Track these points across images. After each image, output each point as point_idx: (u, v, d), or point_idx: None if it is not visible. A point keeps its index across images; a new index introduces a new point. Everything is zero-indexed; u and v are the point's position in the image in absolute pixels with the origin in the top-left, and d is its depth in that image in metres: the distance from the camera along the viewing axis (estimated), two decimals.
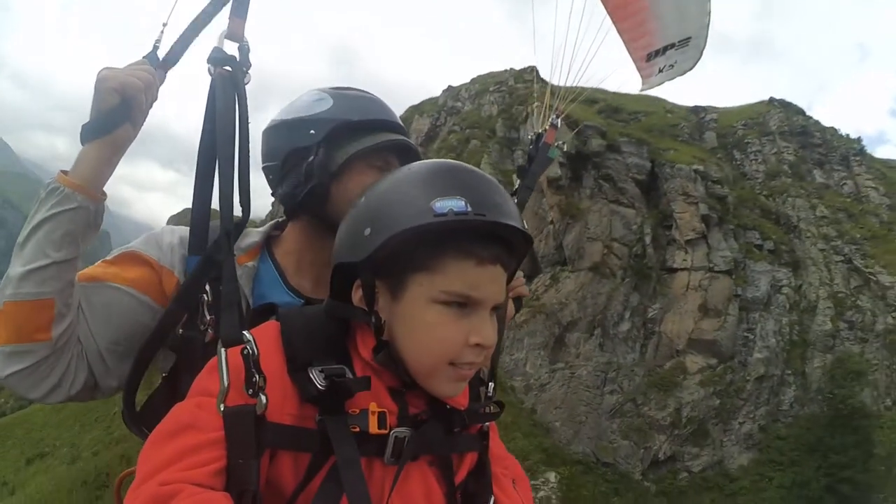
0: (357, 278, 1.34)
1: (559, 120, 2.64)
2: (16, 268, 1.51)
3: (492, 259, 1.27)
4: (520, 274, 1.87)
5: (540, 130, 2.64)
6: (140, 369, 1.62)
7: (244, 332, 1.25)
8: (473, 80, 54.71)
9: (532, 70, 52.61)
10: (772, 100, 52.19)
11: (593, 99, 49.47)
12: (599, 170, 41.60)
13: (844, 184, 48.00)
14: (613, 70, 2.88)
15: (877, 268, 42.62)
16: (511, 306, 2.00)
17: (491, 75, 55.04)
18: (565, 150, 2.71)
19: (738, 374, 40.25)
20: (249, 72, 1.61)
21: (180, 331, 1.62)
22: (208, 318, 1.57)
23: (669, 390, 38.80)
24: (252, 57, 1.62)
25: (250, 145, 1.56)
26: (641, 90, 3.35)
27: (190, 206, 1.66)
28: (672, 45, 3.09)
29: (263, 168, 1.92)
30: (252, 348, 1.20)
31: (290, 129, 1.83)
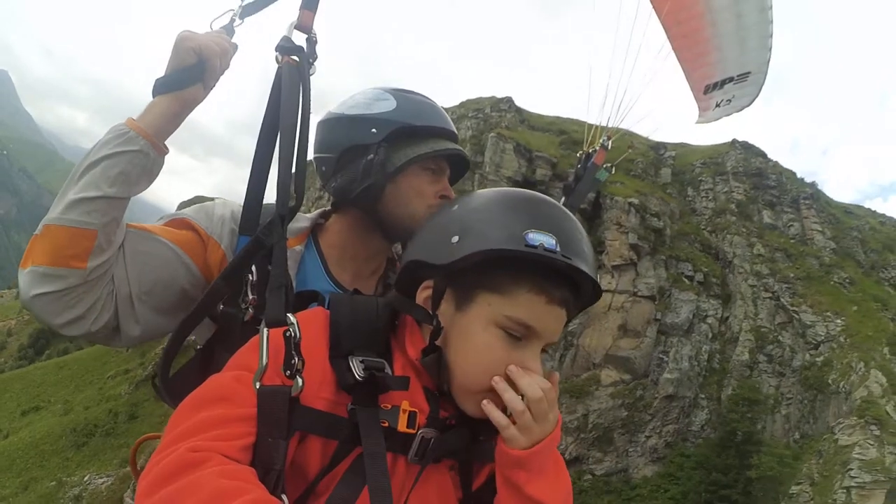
0: (426, 279, 1.37)
1: (610, 142, 2.67)
2: (67, 194, 1.54)
3: (561, 301, 1.30)
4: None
5: (590, 151, 2.66)
6: (180, 338, 1.62)
7: (289, 314, 1.28)
8: (461, 104, 60.29)
9: (508, 100, 58.21)
10: (734, 141, 55.71)
11: (562, 130, 54.78)
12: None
13: (791, 225, 51.41)
14: (658, 107, 2.89)
15: (803, 307, 46.09)
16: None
17: (473, 101, 60.60)
18: (613, 172, 2.73)
19: (649, 391, 44.97)
20: (316, 64, 1.66)
21: (221, 307, 1.63)
22: (251, 297, 1.58)
23: (580, 398, 43.85)
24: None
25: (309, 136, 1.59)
26: (697, 123, 3.30)
27: (201, 193, 3.04)
28: (731, 79, 3.05)
29: (315, 158, 1.93)
30: (295, 331, 1.23)
31: (352, 124, 1.85)
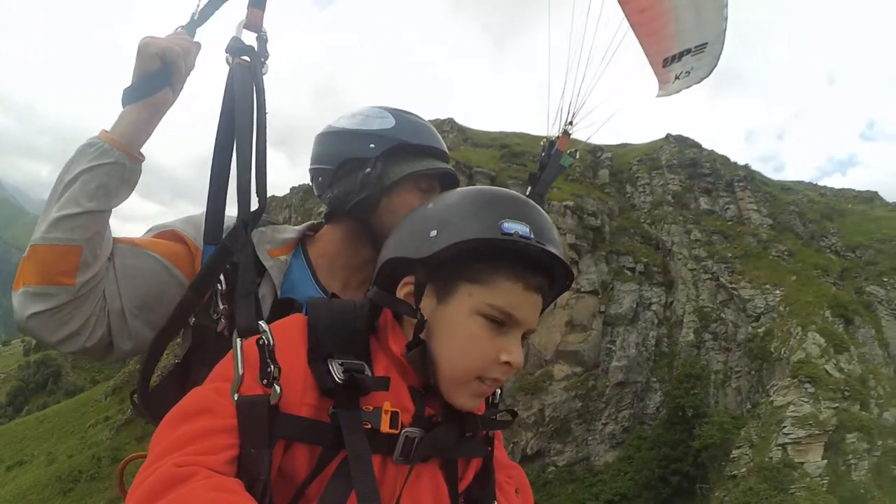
0: (407, 275, 1.39)
1: (572, 127, 2.64)
2: (49, 214, 1.55)
3: (537, 287, 1.34)
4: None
5: (552, 137, 2.63)
6: (156, 353, 1.62)
7: (260, 322, 1.27)
8: None
9: (450, 121, 62.04)
10: (668, 136, 58.65)
11: (504, 144, 58.37)
12: None
13: (728, 208, 53.96)
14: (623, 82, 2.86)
15: (742, 283, 48.47)
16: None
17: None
18: (577, 157, 2.71)
19: (601, 380, 47.67)
20: (268, 62, 1.64)
21: (193, 319, 1.65)
22: (222, 307, 1.57)
23: (535, 394, 46.64)
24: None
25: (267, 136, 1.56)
26: (658, 97, 3.33)
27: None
28: (688, 51, 3.06)
29: (312, 169, 1.97)
30: (267, 338, 1.23)
31: (351, 138, 1.90)
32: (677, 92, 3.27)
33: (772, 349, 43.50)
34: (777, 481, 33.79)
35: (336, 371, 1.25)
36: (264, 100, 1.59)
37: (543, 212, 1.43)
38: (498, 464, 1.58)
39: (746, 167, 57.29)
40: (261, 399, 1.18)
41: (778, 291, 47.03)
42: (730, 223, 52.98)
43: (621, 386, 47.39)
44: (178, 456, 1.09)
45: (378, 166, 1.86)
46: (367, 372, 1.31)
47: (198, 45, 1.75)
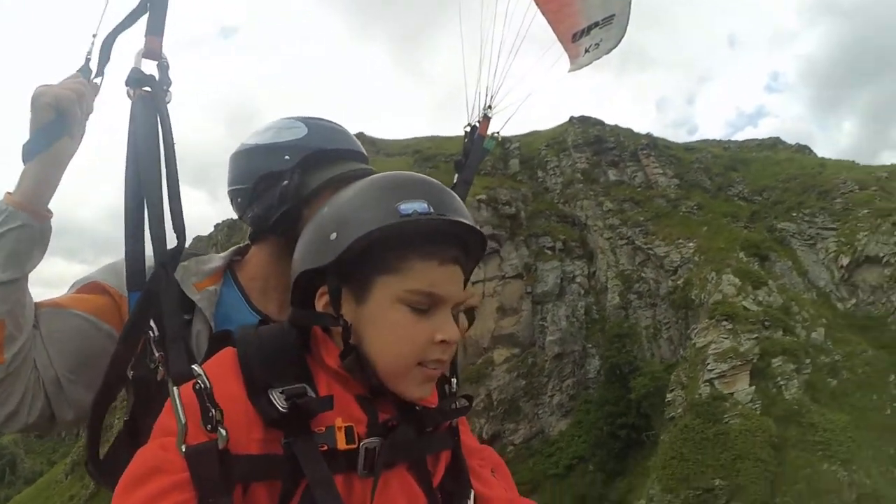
0: (320, 286, 1.34)
1: (492, 111, 2.61)
2: None
3: (452, 259, 1.31)
4: (470, 286, 1.81)
5: (474, 123, 2.60)
6: (98, 417, 1.52)
7: (193, 366, 1.23)
8: None
9: (359, 135, 64.38)
10: (571, 118, 61.57)
11: (416, 149, 60.83)
12: None
13: (636, 176, 56.65)
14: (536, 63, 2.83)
15: (656, 242, 50.94)
16: (463, 319, 1.93)
17: None
18: (500, 138, 2.68)
19: (539, 356, 49.59)
20: (171, 90, 1.56)
21: (131, 372, 1.56)
22: (157, 355, 1.45)
23: (480, 381, 48.39)
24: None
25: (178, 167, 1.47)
26: (570, 71, 3.26)
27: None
28: (596, 24, 3.06)
29: (230, 191, 1.92)
30: (203, 382, 1.18)
31: (265, 153, 1.85)
32: (588, 64, 3.27)
33: (692, 297, 46.13)
34: (710, 414, 35.99)
35: (277, 400, 1.20)
36: (171, 128, 1.50)
37: (439, 183, 1.39)
38: (468, 450, 1.54)
39: (648, 135, 60.29)
40: (209, 446, 1.13)
41: (691, 244, 49.64)
42: (639, 189, 55.66)
43: (559, 358, 49.45)
44: None
45: (295, 177, 1.82)
46: (310, 394, 1.26)
47: (94, 87, 1.69)
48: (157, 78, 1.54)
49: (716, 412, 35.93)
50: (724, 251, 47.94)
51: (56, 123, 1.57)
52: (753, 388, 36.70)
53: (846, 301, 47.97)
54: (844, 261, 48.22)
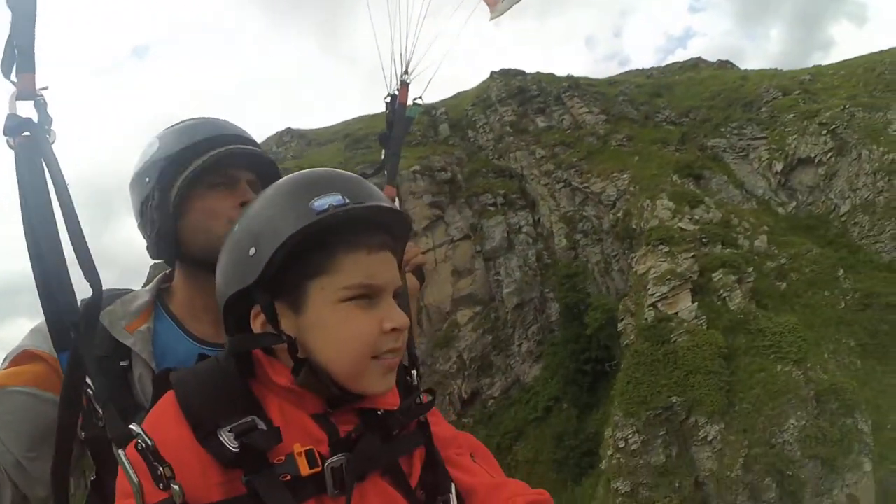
0: (252, 306, 1.29)
1: (409, 77, 2.54)
2: None
3: (380, 245, 1.30)
4: (411, 244, 1.85)
5: (393, 92, 2.54)
6: (61, 487, 1.48)
7: (131, 425, 1.19)
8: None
9: (288, 131, 64.93)
10: (492, 73, 62.37)
11: (347, 133, 61.18)
12: None
13: (563, 119, 57.80)
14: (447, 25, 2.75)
15: (592, 179, 52.24)
16: (414, 279, 2.01)
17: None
18: (423, 104, 2.64)
19: (500, 310, 51.24)
20: (53, 128, 1.44)
21: (82, 433, 1.53)
22: (101, 412, 1.40)
23: (449, 344, 50.08)
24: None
25: (76, 210, 1.38)
26: (491, 20, 3.22)
27: None
28: None
29: (139, 227, 1.87)
30: (144, 440, 1.15)
31: (134, 184, 1.80)
32: (507, 10, 3.21)
33: (633, 226, 47.00)
34: (657, 336, 37.15)
35: (227, 441, 1.16)
36: (59, 171, 1.38)
37: (348, 173, 1.36)
38: (442, 442, 1.50)
39: (569, 77, 61.19)
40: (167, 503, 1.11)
41: (625, 175, 50.81)
42: (568, 132, 56.83)
43: (520, 308, 51.20)
44: None
45: (155, 195, 1.75)
46: (261, 425, 1.21)
47: None
48: (35, 119, 1.43)
49: (662, 333, 37.20)
50: (658, 177, 49.03)
51: None
52: (696, 304, 37.74)
53: (787, 205, 49.17)
54: (778, 167, 49.35)
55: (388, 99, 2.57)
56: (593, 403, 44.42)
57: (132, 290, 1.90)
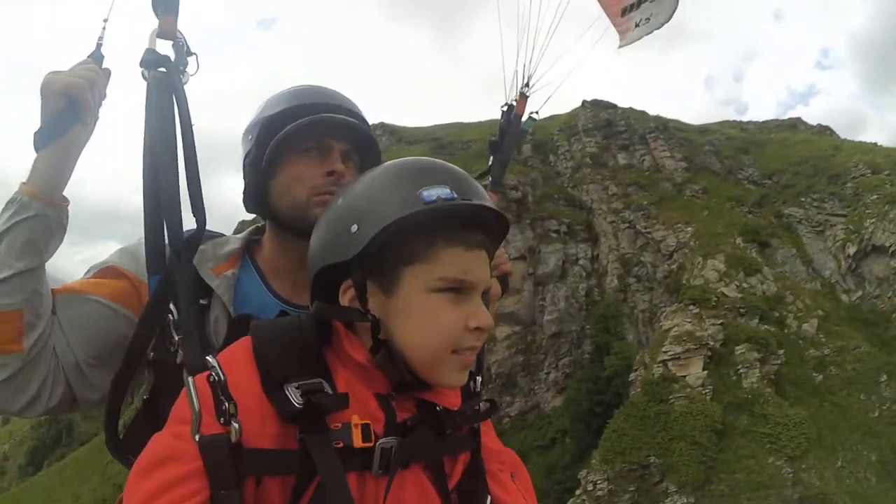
0: (343, 280, 1.33)
1: (529, 89, 2.55)
2: None
3: (478, 244, 1.31)
4: (501, 251, 1.90)
5: (511, 102, 2.54)
6: (117, 397, 1.56)
7: (208, 357, 1.25)
8: None
9: (381, 125, 68.61)
10: (584, 103, 63.58)
11: (435, 137, 64.53)
12: None
13: (644, 160, 58.65)
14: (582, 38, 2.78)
15: (656, 226, 53.23)
16: (497, 286, 2.03)
17: None
18: (538, 118, 2.64)
19: (538, 335, 53.53)
20: (188, 70, 1.56)
21: (151, 353, 1.60)
22: (176, 338, 1.50)
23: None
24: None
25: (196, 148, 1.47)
26: (620, 47, 3.22)
27: None
28: None
29: None
30: (217, 374, 1.19)
31: (242, 139, 1.86)
32: (638, 39, 3.15)
33: (683, 281, 47.05)
34: (657, 394, 37.70)
35: (293, 396, 1.20)
36: (188, 109, 1.49)
37: (458, 168, 1.38)
38: (488, 453, 1.51)
39: (658, 118, 61.66)
40: (221, 439, 1.15)
41: (689, 228, 51.34)
42: (647, 173, 57.69)
43: (557, 337, 53.28)
44: None
45: (252, 152, 1.79)
46: (327, 389, 1.25)
47: (107, 73, 1.67)
48: (172, 58, 1.53)
49: (663, 392, 37.50)
50: (721, 236, 49.23)
51: (67, 111, 1.55)
52: (706, 372, 37.93)
53: (852, 293, 47.18)
54: (852, 250, 47.25)
55: (505, 108, 2.58)
56: (595, 445, 45.52)
57: (225, 235, 1.93)
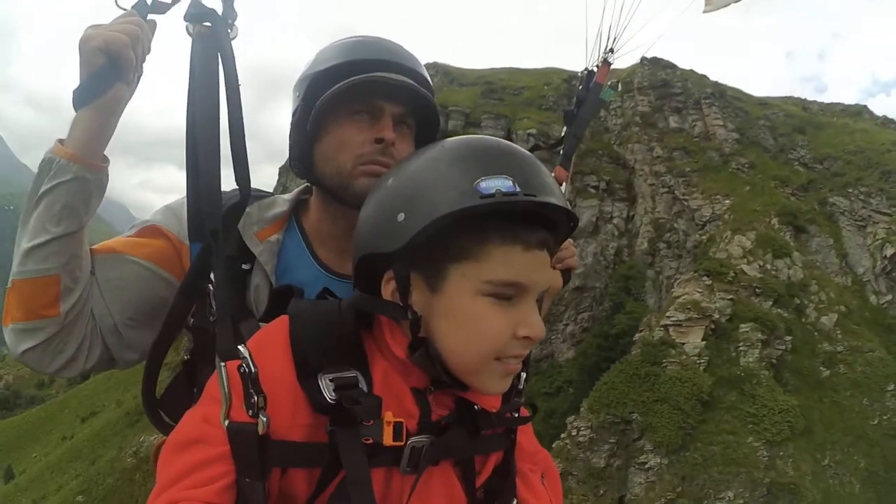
0: (386, 270, 1.24)
1: (613, 56, 2.38)
2: (21, 245, 1.48)
3: (539, 244, 1.19)
4: (569, 242, 1.79)
5: (591, 68, 2.38)
6: (155, 362, 1.53)
7: (239, 347, 1.18)
8: None
9: (434, 65, 68.69)
10: (643, 59, 62.70)
11: (488, 81, 64.84)
12: None
13: (695, 125, 58.22)
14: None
15: (695, 194, 53.42)
16: (559, 278, 1.93)
17: None
18: (619, 89, 2.49)
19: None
20: (237, 24, 1.42)
21: (191, 320, 1.57)
22: (216, 308, 1.42)
23: None
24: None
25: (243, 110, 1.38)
26: (705, 12, 3.02)
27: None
28: None
29: None
30: (248, 365, 1.15)
31: (292, 97, 1.76)
32: (725, 6, 2.99)
33: (710, 254, 47.03)
34: (652, 355, 38.18)
35: (326, 390, 1.17)
36: (234, 68, 1.36)
37: (526, 153, 1.25)
38: (521, 453, 1.47)
39: (716, 83, 60.74)
40: (249, 429, 1.13)
41: (727, 201, 51.23)
42: (696, 139, 57.39)
43: (580, 291, 54.53)
44: (174, 491, 1.09)
45: (298, 112, 1.68)
46: (362, 384, 1.21)
47: (151, 26, 1.55)
48: (218, 12, 1.40)
49: (658, 355, 37.82)
50: (757, 213, 49.01)
51: (108, 69, 1.46)
52: (704, 343, 38.02)
53: (881, 296, 46.02)
54: (889, 251, 46.06)
55: (584, 73, 2.40)
56: None
57: (272, 196, 1.85)
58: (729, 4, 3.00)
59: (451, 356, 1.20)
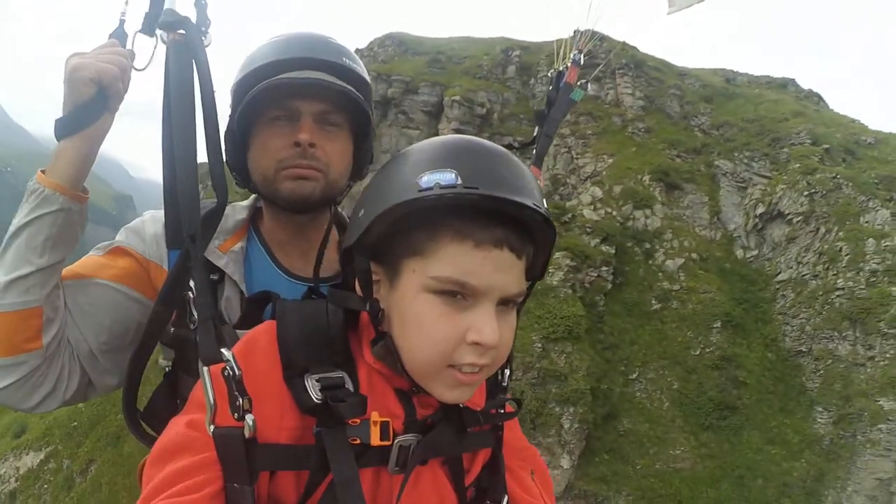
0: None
1: (582, 56, 2.49)
2: None
3: (494, 242, 1.15)
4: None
5: (561, 68, 2.48)
6: (135, 375, 1.56)
7: (223, 350, 1.20)
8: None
9: (389, 36, 78.51)
10: (575, 32, 69.30)
11: (440, 50, 74.36)
12: (398, 107, 58.10)
13: (609, 93, 65.16)
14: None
15: (587, 154, 60.77)
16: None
17: (364, 49, 73.13)
18: (588, 90, 2.57)
19: None
20: (210, 31, 1.47)
21: (172, 329, 1.60)
22: (195, 315, 1.38)
23: None
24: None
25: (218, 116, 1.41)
26: (669, 13, 3.20)
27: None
28: None
29: None
30: (232, 369, 1.16)
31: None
32: (688, 6, 3.12)
33: (565, 204, 51.29)
34: None
35: (312, 390, 1.19)
36: (209, 75, 1.40)
37: (494, 147, 1.24)
38: (510, 449, 1.50)
39: (632, 54, 66.15)
40: (235, 432, 1.14)
41: (610, 160, 58.00)
42: (606, 106, 64.26)
43: None
44: (160, 501, 1.09)
45: (228, 121, 1.69)
46: (348, 384, 1.23)
47: (132, 54, 1.58)
48: (192, 19, 1.45)
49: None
50: (632, 171, 54.27)
51: (96, 101, 1.50)
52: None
53: (749, 250, 49.04)
54: (760, 210, 49.21)
55: (554, 74, 2.51)
56: None
57: (232, 203, 1.82)
58: (692, 5, 3.20)
59: (405, 355, 1.22)
